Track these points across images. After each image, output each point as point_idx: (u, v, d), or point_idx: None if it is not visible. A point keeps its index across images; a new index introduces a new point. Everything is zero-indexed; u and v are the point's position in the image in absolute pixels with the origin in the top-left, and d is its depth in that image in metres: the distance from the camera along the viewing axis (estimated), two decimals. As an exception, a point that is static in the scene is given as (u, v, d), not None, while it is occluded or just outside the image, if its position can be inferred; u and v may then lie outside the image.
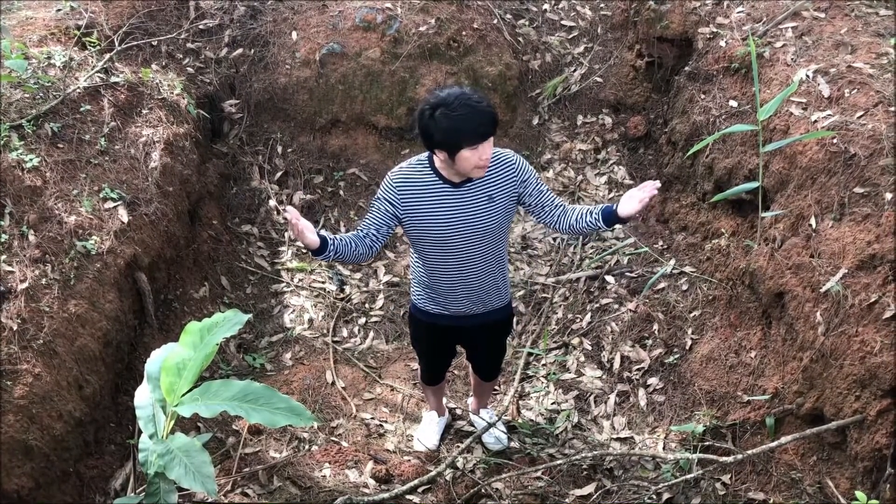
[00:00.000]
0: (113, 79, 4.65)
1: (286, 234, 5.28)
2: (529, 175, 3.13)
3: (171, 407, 2.94)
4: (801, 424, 3.35)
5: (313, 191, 5.50)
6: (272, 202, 5.35)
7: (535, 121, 5.86)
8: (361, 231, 3.12)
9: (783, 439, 3.08)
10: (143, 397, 3.10)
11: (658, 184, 2.96)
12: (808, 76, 4.08)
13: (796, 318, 3.49)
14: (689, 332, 4.20)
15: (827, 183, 3.63)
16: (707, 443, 3.66)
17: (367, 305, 5.00)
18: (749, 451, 3.10)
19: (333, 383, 4.42)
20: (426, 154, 3.08)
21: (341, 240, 3.04)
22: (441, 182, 3.05)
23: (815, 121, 3.84)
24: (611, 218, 3.06)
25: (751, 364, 3.74)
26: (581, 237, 5.14)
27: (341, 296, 5.03)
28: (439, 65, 5.54)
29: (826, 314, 3.30)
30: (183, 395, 2.95)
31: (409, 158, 3.19)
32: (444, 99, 2.85)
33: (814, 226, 3.59)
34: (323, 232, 3.18)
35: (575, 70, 5.90)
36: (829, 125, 3.71)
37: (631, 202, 2.97)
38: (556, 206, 3.19)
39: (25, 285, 3.44)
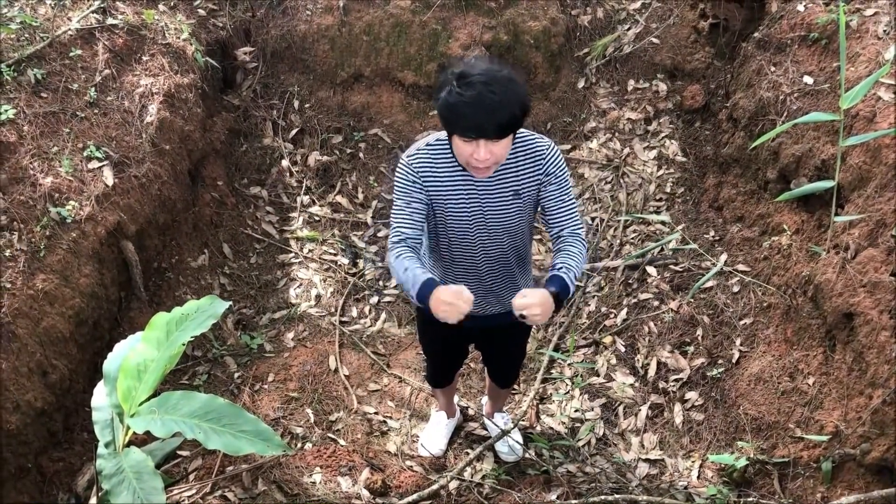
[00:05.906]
0: (111, 20, 4.20)
1: (298, 199, 4.83)
2: (555, 171, 2.55)
3: (127, 416, 2.56)
4: (865, 474, 2.83)
5: (330, 151, 5.02)
6: (285, 162, 4.89)
7: (581, 84, 5.27)
8: (407, 240, 2.53)
9: (843, 500, 2.58)
10: (101, 399, 2.73)
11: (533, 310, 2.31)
12: (902, 54, 3.46)
13: (868, 346, 2.95)
14: (738, 342, 3.67)
15: (918, 186, 3.06)
16: (748, 479, 3.18)
17: (381, 283, 4.56)
18: (801, 511, 2.60)
19: (336, 370, 4.01)
20: (446, 133, 2.56)
21: (425, 267, 2.52)
22: (461, 169, 2.54)
23: (909, 109, 3.25)
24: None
25: (808, 392, 3.21)
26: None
27: (354, 270, 4.59)
28: (476, 17, 4.97)
29: (906, 348, 2.77)
30: (141, 403, 2.58)
31: (425, 137, 2.64)
32: (467, 71, 2.32)
33: (897, 237, 3.03)
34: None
35: (629, 28, 5.28)
36: (926, 116, 3.13)
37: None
38: (562, 232, 2.57)
39: (-17, 258, 3.07)
